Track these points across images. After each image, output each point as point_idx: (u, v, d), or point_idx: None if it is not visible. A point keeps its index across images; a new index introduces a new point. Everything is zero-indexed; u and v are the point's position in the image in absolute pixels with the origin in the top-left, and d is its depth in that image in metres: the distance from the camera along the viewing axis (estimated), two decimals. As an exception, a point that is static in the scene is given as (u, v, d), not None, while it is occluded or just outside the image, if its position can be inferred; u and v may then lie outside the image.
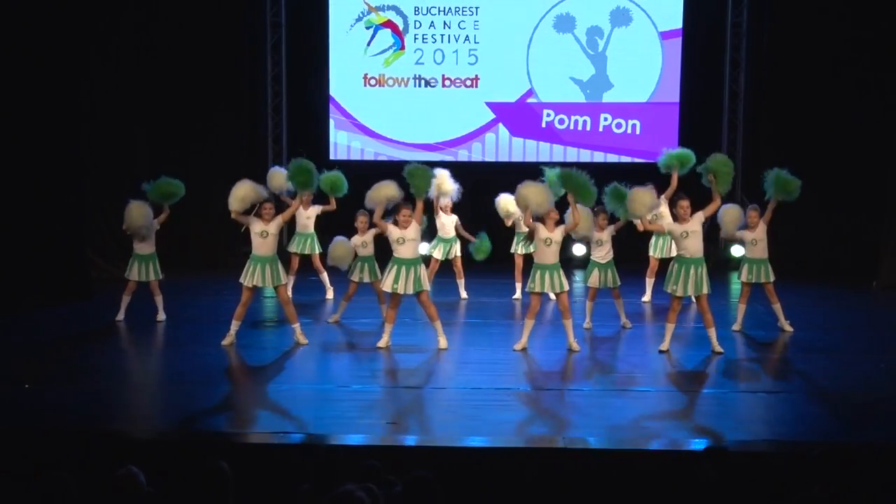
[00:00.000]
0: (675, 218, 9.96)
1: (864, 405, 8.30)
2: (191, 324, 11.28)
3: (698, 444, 7.25)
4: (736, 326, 10.76)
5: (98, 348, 10.12)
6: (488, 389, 8.57)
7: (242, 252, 15.48)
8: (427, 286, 9.98)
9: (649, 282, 12.27)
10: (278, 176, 11.50)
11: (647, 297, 12.29)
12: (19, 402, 8.12)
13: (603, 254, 10.76)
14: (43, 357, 9.65)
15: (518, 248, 12.41)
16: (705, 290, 9.66)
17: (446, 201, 12.06)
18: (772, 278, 10.57)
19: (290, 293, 11.76)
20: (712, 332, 9.77)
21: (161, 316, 11.28)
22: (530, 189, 9.68)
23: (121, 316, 11.21)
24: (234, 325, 10.12)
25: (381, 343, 10.01)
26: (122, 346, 10.27)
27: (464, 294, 12.71)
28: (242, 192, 10.04)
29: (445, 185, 11.93)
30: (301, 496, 5.29)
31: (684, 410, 8.25)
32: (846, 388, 8.85)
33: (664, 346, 9.82)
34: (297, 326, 10.23)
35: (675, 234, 9.82)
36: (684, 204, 9.80)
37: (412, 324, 10.86)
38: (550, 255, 9.76)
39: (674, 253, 11.07)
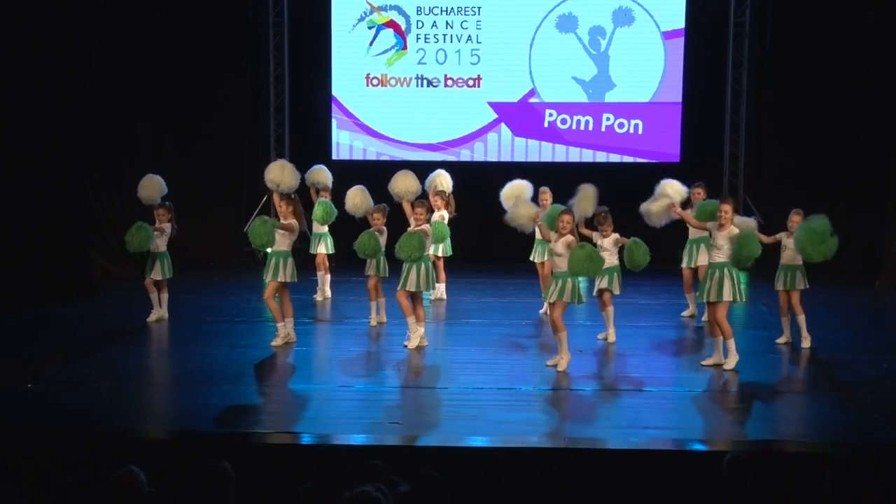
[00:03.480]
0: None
1: (867, 405, 8.28)
2: (192, 323, 11.28)
3: (699, 445, 7.25)
4: (782, 339, 10.21)
5: (100, 348, 10.12)
6: (490, 389, 8.57)
7: (244, 252, 15.61)
8: (420, 286, 9.97)
9: (690, 296, 11.49)
10: (318, 172, 12.44)
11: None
12: (21, 402, 8.12)
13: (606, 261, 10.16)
14: (45, 357, 9.64)
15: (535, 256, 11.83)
16: (713, 298, 9.14)
17: (435, 198, 11.98)
18: (800, 286, 9.93)
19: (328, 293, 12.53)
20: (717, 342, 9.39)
21: (155, 315, 11.26)
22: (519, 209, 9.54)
23: (160, 314, 11.28)
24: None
25: (412, 344, 9.99)
26: (124, 346, 10.26)
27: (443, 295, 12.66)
28: (291, 179, 10.19)
29: (443, 182, 12.02)
30: (303, 496, 5.28)
31: (685, 411, 8.23)
32: (848, 387, 8.84)
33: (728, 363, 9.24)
34: (280, 325, 10.18)
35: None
36: (726, 208, 9.18)
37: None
38: (555, 264, 9.29)
39: (703, 261, 10.88)
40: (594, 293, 10.44)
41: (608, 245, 10.21)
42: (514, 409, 8.05)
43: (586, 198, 9.72)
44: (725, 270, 9.09)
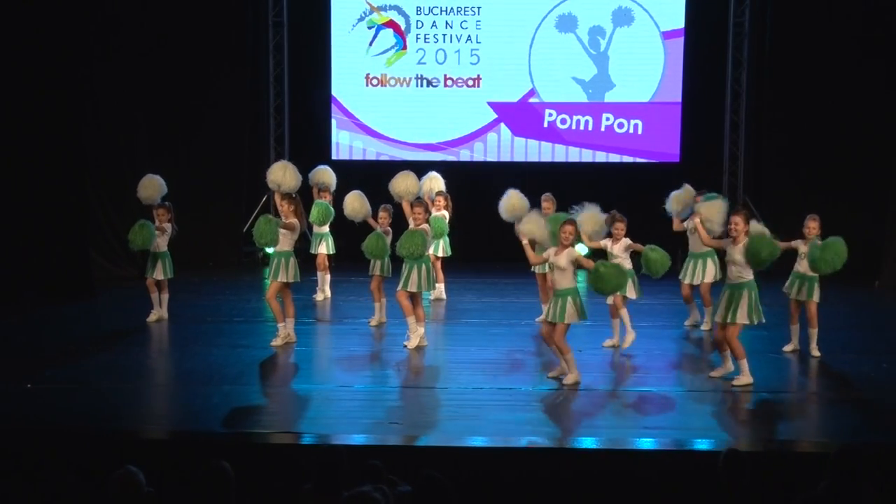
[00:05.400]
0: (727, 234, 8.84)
1: (867, 405, 8.29)
2: (192, 323, 11.28)
3: (700, 445, 7.25)
4: (789, 347, 9.90)
5: (100, 348, 10.12)
6: (490, 389, 8.57)
7: (244, 252, 15.61)
8: (421, 286, 9.98)
9: (692, 306, 11.04)
10: (322, 173, 12.37)
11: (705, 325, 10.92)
12: (21, 402, 8.12)
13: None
14: (45, 357, 9.64)
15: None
16: (727, 320, 8.60)
17: (438, 198, 11.95)
18: (815, 298, 9.65)
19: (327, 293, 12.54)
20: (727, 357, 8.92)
21: (155, 315, 11.26)
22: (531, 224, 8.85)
23: (160, 314, 11.29)
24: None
25: (411, 344, 9.99)
26: (124, 346, 10.26)
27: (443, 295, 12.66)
28: (292, 181, 10.13)
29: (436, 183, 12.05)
30: (303, 496, 5.28)
31: (686, 411, 8.24)
32: (848, 388, 8.84)
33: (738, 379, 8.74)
34: (281, 325, 10.19)
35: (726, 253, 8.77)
36: (736, 220, 8.63)
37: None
38: (555, 281, 8.74)
39: (707, 278, 10.57)
40: (609, 302, 9.94)
41: (618, 251, 9.78)
42: (513, 409, 8.05)
43: (590, 220, 9.34)
44: (744, 291, 8.51)
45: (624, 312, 9.98)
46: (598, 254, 9.81)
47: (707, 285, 10.69)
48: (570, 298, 8.56)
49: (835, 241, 9.34)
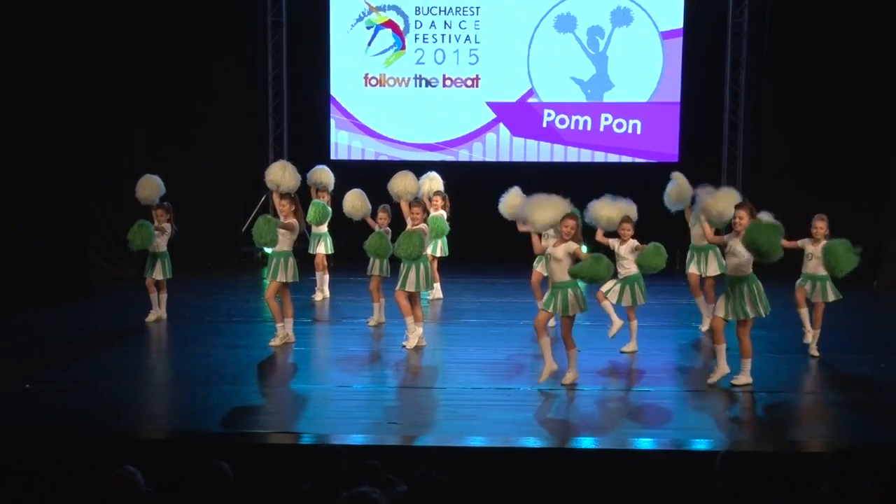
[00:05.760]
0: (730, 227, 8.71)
1: (866, 405, 8.28)
2: (190, 324, 11.28)
3: (698, 445, 7.25)
4: (809, 336, 9.85)
5: (99, 348, 10.12)
6: (489, 389, 8.57)
7: (242, 252, 15.61)
8: (419, 286, 9.99)
9: (700, 301, 10.87)
10: (320, 173, 12.38)
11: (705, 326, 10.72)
12: (20, 402, 8.11)
13: (624, 270, 9.72)
14: (44, 357, 9.63)
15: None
16: (739, 317, 8.47)
17: (436, 198, 11.94)
18: (830, 298, 9.61)
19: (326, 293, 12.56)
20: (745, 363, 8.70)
21: (154, 316, 11.26)
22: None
23: (158, 314, 11.28)
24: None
25: (410, 344, 9.99)
26: (123, 346, 10.26)
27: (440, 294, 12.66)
28: (291, 181, 10.12)
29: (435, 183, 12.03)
30: (301, 496, 5.28)
31: (685, 411, 8.24)
32: (848, 388, 8.84)
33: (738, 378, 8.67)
34: (280, 325, 10.18)
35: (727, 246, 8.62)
36: (741, 214, 8.54)
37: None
38: (553, 272, 8.68)
39: (711, 271, 10.53)
40: (623, 304, 9.86)
41: (625, 252, 9.74)
42: (512, 409, 8.05)
43: (607, 211, 9.24)
44: (744, 286, 8.41)
45: (634, 324, 9.96)
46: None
47: (712, 281, 10.67)
48: (570, 291, 8.50)
49: (841, 245, 9.19)
